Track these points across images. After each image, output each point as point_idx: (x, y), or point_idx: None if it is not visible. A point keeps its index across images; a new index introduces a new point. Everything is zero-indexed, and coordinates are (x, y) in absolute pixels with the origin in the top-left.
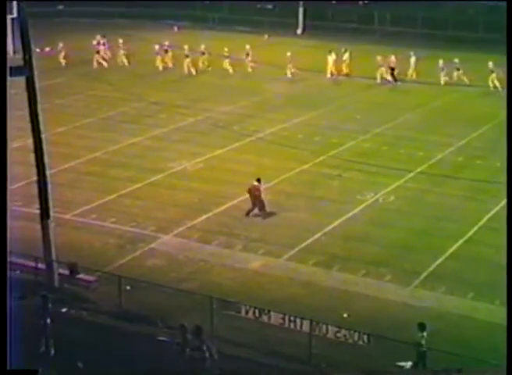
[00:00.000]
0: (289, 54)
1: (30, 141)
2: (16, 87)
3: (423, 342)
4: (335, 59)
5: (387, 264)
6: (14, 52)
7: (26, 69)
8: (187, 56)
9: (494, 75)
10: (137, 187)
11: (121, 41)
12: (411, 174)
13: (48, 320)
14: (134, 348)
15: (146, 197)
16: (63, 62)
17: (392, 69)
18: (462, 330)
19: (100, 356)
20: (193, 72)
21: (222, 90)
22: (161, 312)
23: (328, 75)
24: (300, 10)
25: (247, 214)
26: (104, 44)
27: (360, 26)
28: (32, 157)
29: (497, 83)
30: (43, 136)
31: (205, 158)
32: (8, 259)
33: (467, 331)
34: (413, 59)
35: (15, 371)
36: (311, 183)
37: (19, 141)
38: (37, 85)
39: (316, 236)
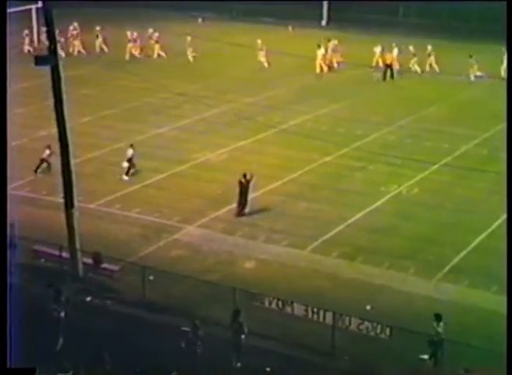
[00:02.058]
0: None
1: (54, 131)
2: (43, 76)
3: (440, 330)
4: (324, 54)
5: (411, 256)
6: (38, 42)
7: (51, 58)
8: (130, 41)
9: (415, 59)
10: (162, 177)
11: (98, 28)
12: (435, 166)
13: (62, 314)
14: (157, 338)
15: (170, 187)
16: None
17: (389, 66)
18: (486, 323)
19: (123, 345)
20: (127, 57)
21: (246, 81)
22: (185, 302)
23: (318, 70)
24: (325, 2)
25: (239, 214)
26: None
27: (385, 18)
28: (57, 146)
29: (417, 68)
30: (68, 126)
31: (229, 149)
32: (34, 248)
33: (492, 325)
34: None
35: (14, 370)
36: (334, 175)
37: (43, 130)
38: (63, 75)
39: (340, 228)
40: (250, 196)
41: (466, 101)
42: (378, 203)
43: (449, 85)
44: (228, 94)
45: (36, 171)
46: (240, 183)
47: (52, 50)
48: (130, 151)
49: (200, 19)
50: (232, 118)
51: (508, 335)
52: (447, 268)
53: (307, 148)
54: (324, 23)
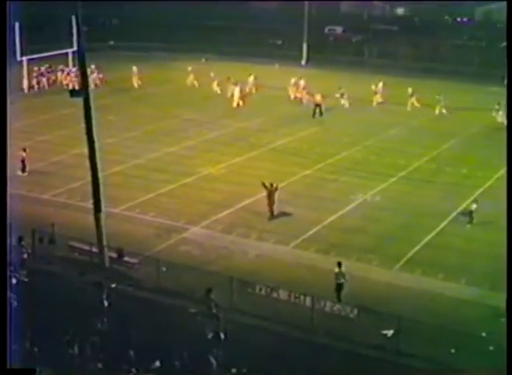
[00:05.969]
0: (292, 80)
1: (86, 149)
2: (75, 106)
3: (340, 275)
4: (240, 90)
5: (374, 251)
6: (76, 77)
7: (83, 91)
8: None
9: (344, 97)
10: (172, 187)
11: (93, 66)
12: (394, 179)
13: (106, 302)
14: (169, 318)
15: (179, 195)
16: (98, 83)
17: (318, 105)
18: (435, 304)
19: (141, 323)
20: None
21: (240, 109)
22: (192, 288)
23: (235, 104)
24: (304, 45)
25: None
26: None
27: (352, 59)
28: (88, 162)
29: (346, 102)
30: (96, 145)
31: (227, 164)
32: (70, 243)
33: (439, 305)
34: (380, 85)
35: (14, 370)
36: (312, 185)
37: (77, 149)
38: (93, 104)
39: (317, 228)
40: (247, 202)
41: (418, 125)
42: (348, 208)
43: (404, 113)
44: (225, 120)
45: None
46: (268, 190)
47: (84, 85)
48: (474, 206)
49: (203, 59)
50: (229, 139)
51: (508, 334)
52: (404, 260)
53: (290, 163)
54: (303, 62)
